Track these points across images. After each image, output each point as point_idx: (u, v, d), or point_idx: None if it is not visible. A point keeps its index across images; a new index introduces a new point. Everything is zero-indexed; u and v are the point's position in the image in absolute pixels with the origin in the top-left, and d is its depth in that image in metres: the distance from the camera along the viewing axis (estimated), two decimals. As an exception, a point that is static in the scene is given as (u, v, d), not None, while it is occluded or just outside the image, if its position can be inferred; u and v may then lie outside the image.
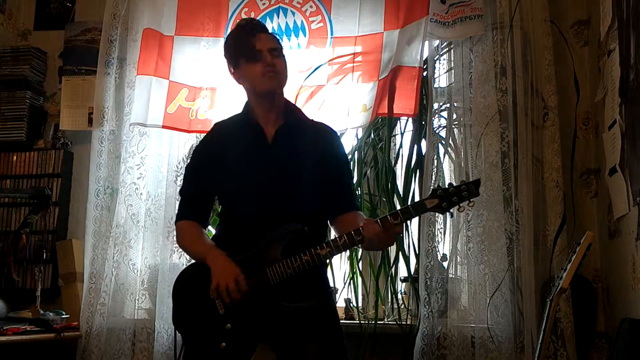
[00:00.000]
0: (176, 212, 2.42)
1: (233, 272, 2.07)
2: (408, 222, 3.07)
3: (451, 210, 2.10)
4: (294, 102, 3.15)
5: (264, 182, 2.19)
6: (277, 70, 2.22)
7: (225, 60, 2.33)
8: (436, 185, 2.14)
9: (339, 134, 2.41)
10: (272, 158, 2.23)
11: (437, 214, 2.18)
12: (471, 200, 2.09)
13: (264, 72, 2.20)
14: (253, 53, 2.21)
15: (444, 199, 2.07)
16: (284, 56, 2.27)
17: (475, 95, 3.06)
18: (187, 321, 2.17)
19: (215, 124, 2.44)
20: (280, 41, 2.30)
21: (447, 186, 2.10)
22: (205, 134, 2.45)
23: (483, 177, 2.98)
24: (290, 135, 2.25)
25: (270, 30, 2.33)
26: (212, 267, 2.12)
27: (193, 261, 2.28)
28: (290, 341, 2.16)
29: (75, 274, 3.33)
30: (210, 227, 2.81)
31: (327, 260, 2.30)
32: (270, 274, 2.08)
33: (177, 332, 2.22)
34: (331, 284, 3.08)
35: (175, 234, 2.40)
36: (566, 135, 3.06)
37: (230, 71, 2.32)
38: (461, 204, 2.09)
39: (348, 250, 2.68)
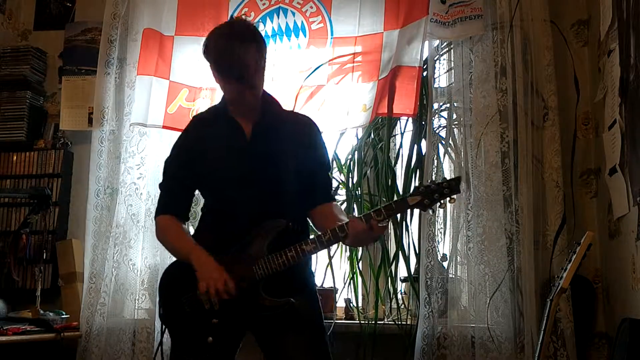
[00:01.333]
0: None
1: (220, 274, 2.08)
2: (404, 220, 3.09)
3: (433, 207, 2.13)
4: (293, 102, 3.16)
5: (245, 179, 2.19)
6: (252, 85, 2.20)
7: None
8: (418, 183, 2.17)
9: (319, 127, 2.40)
10: (251, 155, 2.22)
11: (424, 210, 2.18)
12: (452, 197, 2.12)
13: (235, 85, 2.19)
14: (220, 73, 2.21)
15: (426, 196, 2.10)
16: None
17: (475, 95, 3.06)
18: (173, 315, 2.19)
19: (194, 117, 2.44)
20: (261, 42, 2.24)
21: (428, 183, 2.15)
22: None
23: (483, 177, 2.98)
24: (268, 131, 2.25)
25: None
26: (197, 268, 2.12)
27: None
28: (272, 335, 2.18)
29: (75, 274, 3.33)
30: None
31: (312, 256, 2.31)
32: (256, 270, 2.10)
33: (163, 326, 2.24)
34: (332, 285, 3.10)
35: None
36: (566, 135, 3.06)
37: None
38: (441, 201, 2.12)
39: (333, 246, 2.72)
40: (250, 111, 2.25)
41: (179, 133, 3.26)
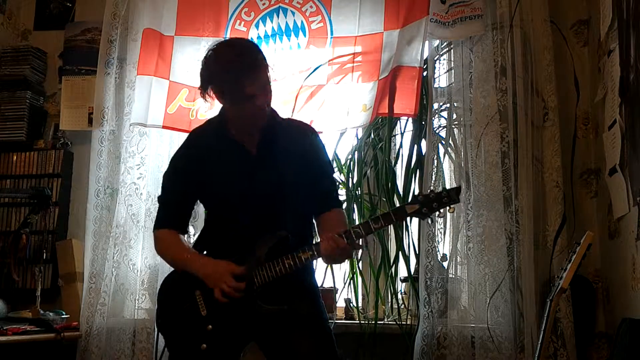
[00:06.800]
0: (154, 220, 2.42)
1: (227, 268, 2.12)
2: (405, 222, 3.08)
3: (432, 216, 2.18)
4: (293, 102, 3.17)
5: (250, 193, 2.22)
6: (269, 103, 2.25)
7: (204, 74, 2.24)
8: (417, 192, 2.20)
9: (317, 132, 2.44)
10: (257, 171, 2.24)
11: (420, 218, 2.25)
12: (451, 206, 2.15)
13: (256, 107, 2.18)
14: (243, 96, 2.15)
15: (424, 205, 2.12)
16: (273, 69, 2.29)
17: (475, 95, 3.06)
18: (170, 324, 2.20)
19: (192, 132, 2.46)
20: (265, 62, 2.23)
21: (427, 192, 2.17)
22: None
23: (483, 177, 2.98)
24: (272, 146, 2.26)
25: (260, 46, 2.34)
26: (202, 271, 2.15)
27: None
28: (276, 341, 2.18)
29: (75, 274, 3.33)
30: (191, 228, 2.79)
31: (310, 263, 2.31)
32: (255, 277, 2.12)
33: (160, 335, 2.26)
34: (332, 285, 3.10)
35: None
36: (566, 135, 3.06)
37: (204, 88, 2.24)
38: (440, 210, 2.15)
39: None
40: (254, 129, 2.26)
41: (179, 133, 3.33)
